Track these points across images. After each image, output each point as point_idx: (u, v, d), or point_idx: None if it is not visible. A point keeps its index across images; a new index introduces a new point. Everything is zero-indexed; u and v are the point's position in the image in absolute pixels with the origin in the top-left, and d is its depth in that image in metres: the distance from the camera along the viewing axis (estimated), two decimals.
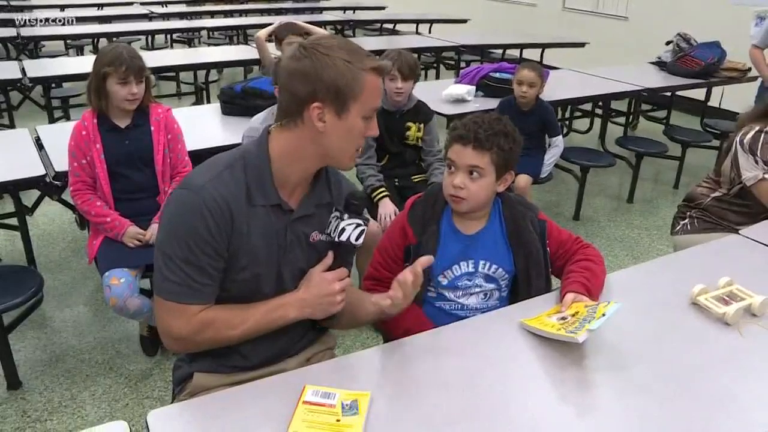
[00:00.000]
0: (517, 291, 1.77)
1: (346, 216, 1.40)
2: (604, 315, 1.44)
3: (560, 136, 3.73)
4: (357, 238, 1.40)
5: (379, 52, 2.88)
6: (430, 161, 3.12)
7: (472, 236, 1.75)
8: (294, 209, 1.41)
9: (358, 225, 1.40)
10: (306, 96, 1.29)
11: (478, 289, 1.76)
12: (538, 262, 1.74)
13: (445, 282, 1.75)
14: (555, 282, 1.78)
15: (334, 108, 1.30)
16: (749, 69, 5.18)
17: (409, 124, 3.06)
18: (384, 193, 2.93)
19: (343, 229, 1.39)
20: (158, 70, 5.02)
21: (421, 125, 3.08)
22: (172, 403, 1.47)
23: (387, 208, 2.89)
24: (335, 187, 1.50)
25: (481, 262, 1.73)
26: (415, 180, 3.14)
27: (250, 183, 1.35)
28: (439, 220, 1.74)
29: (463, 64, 7.19)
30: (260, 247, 1.37)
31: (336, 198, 1.49)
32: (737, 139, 2.46)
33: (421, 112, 3.10)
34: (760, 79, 4.76)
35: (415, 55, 3.46)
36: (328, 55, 1.28)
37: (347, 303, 1.47)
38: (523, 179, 3.54)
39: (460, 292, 1.76)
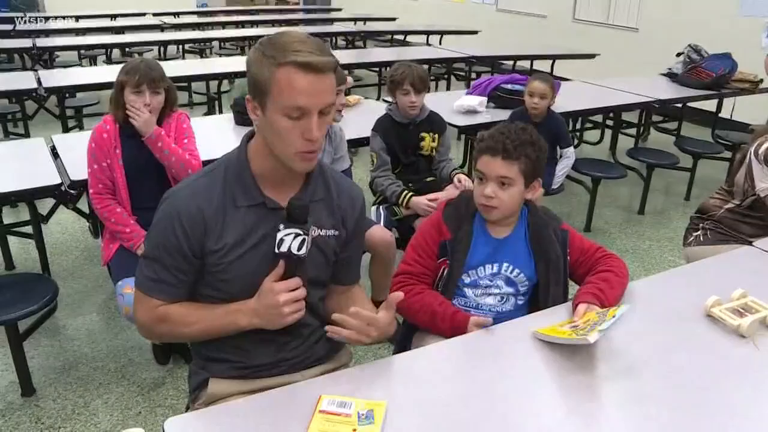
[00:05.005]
0: (536, 297, 1.81)
1: (281, 226, 1.32)
2: (614, 317, 1.45)
3: (571, 148, 3.73)
4: (299, 248, 1.32)
5: (389, 63, 2.90)
6: (442, 167, 3.14)
7: (500, 240, 1.80)
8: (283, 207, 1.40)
9: (298, 234, 1.31)
10: (248, 87, 1.34)
11: (496, 291, 1.81)
12: (558, 269, 1.79)
13: (467, 280, 1.80)
14: (573, 290, 1.80)
15: (258, 103, 1.32)
16: (761, 80, 5.17)
17: (423, 134, 3.07)
18: (410, 193, 2.95)
19: (282, 240, 1.31)
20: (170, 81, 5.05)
21: (436, 135, 3.10)
22: (186, 411, 1.48)
23: (421, 201, 2.91)
24: (334, 183, 1.50)
25: (505, 264, 1.79)
26: (428, 181, 3.14)
27: (233, 186, 1.39)
28: (471, 221, 1.80)
29: (473, 75, 7.21)
30: (247, 245, 1.39)
31: (336, 195, 1.49)
32: (752, 149, 2.45)
33: (435, 122, 3.11)
34: None
35: (426, 66, 3.47)
36: (258, 48, 1.30)
37: (336, 305, 1.52)
38: None
39: (480, 291, 1.81)
